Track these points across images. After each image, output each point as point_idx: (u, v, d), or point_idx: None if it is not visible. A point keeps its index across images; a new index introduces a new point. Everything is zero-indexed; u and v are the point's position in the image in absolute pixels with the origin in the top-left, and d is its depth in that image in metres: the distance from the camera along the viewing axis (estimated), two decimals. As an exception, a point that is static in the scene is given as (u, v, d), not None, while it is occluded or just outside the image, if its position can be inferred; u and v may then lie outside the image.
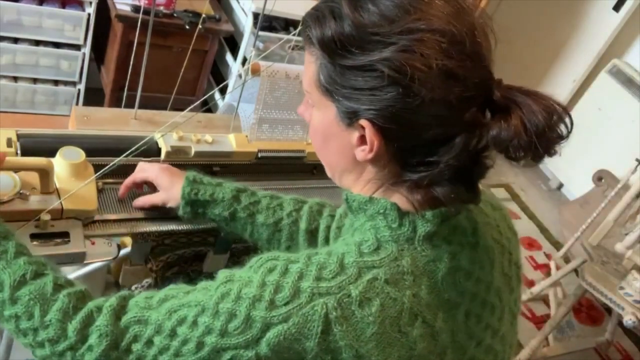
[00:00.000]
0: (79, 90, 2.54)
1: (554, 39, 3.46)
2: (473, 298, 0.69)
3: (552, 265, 2.82)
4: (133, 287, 1.22)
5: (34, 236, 0.93)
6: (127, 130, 1.27)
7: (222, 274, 0.66)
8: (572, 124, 0.61)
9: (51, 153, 1.00)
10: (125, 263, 1.14)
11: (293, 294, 0.60)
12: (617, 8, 3.11)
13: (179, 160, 1.17)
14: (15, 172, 0.96)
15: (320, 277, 0.61)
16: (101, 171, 0.99)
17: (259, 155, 1.26)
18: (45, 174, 0.95)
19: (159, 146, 1.16)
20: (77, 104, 2.55)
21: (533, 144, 0.59)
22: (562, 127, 0.61)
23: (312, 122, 0.71)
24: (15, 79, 2.42)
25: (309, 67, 0.67)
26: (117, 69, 2.37)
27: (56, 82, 2.51)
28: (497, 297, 0.72)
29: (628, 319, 1.89)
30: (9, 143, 1.02)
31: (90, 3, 2.32)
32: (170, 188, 1.02)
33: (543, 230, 3.23)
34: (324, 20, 0.63)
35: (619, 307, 1.95)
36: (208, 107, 2.40)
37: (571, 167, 3.37)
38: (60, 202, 0.96)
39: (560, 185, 3.59)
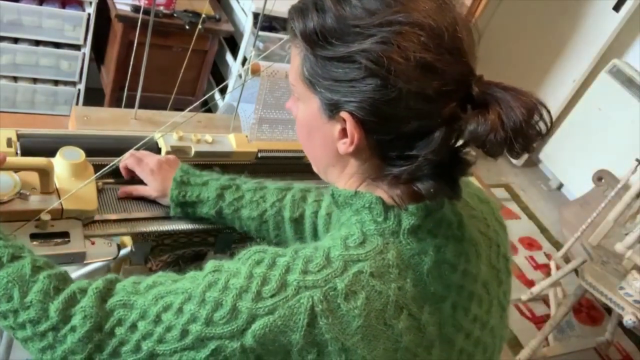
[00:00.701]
0: (79, 90, 2.55)
1: (554, 39, 3.46)
2: (459, 291, 0.69)
3: (552, 265, 2.82)
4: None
5: (34, 236, 0.93)
6: (127, 130, 1.27)
7: (211, 264, 0.66)
8: (551, 121, 0.61)
9: (51, 153, 1.00)
10: (125, 263, 1.14)
11: (280, 287, 0.61)
12: (617, 8, 3.11)
13: (180, 160, 1.17)
14: (16, 172, 0.96)
15: (306, 271, 0.62)
16: (101, 171, 0.99)
17: (259, 155, 1.26)
18: (46, 174, 0.95)
19: (159, 146, 1.16)
20: (77, 104, 2.55)
21: (509, 139, 0.59)
22: (542, 124, 0.61)
23: (297, 115, 0.72)
24: (15, 79, 2.42)
25: (294, 59, 0.68)
26: (117, 69, 2.37)
27: (56, 82, 2.51)
28: (484, 290, 0.72)
29: (628, 319, 1.89)
30: (9, 143, 1.02)
31: (90, 3, 2.32)
32: (162, 192, 1.05)
33: (543, 230, 3.23)
34: (307, 12, 0.64)
35: (619, 307, 1.95)
36: (208, 107, 2.40)
37: (571, 167, 3.37)
38: (60, 202, 0.96)
39: (560, 185, 3.59)
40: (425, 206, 0.66)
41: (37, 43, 2.38)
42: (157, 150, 1.16)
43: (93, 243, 0.99)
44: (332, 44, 0.62)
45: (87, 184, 0.99)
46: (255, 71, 1.19)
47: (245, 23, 2.50)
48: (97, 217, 1.02)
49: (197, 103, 2.02)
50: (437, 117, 0.61)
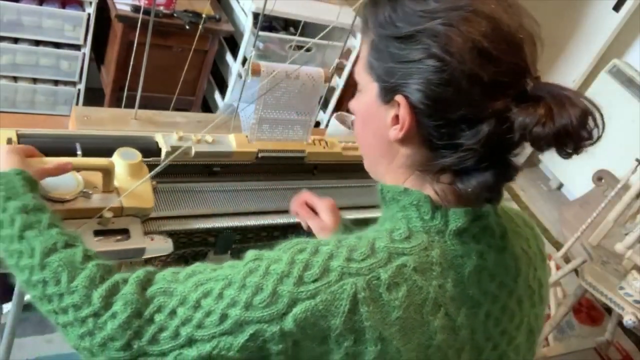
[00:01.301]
0: (79, 90, 2.55)
1: (554, 39, 3.46)
2: (495, 300, 0.70)
3: (552, 265, 2.82)
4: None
5: (97, 232, 0.97)
6: (127, 130, 1.27)
7: (251, 253, 0.66)
8: (604, 127, 0.62)
9: (51, 153, 1.00)
10: (126, 263, 1.14)
11: (322, 272, 0.61)
12: (617, 8, 3.11)
13: (179, 160, 1.17)
14: (77, 171, 1.00)
15: (350, 258, 0.62)
16: (154, 170, 1.01)
17: (259, 155, 1.26)
18: (108, 173, 1.00)
19: (159, 146, 1.16)
20: (77, 104, 2.55)
21: (558, 137, 0.60)
22: (594, 129, 0.61)
23: (356, 108, 0.74)
24: (15, 79, 2.42)
25: (362, 52, 0.71)
26: (117, 69, 2.37)
27: (56, 82, 2.51)
28: (517, 306, 0.73)
29: (628, 319, 1.89)
30: (9, 143, 1.02)
31: (90, 3, 2.32)
32: (331, 229, 1.03)
33: (543, 230, 3.23)
34: (380, 2, 0.68)
35: (619, 307, 1.95)
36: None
37: (571, 167, 3.37)
38: (120, 200, 1.00)
39: (560, 185, 3.59)
40: (473, 211, 0.67)
41: (37, 43, 2.38)
42: (158, 150, 1.16)
43: (152, 239, 1.03)
44: (398, 27, 0.65)
45: (143, 183, 1.03)
46: (255, 71, 1.19)
47: (245, 23, 2.49)
48: (152, 215, 1.06)
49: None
50: (489, 108, 0.61)
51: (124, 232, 1.00)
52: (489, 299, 0.69)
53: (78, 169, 0.98)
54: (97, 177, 1.01)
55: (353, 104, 0.75)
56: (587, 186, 2.88)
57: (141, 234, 1.01)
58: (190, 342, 0.63)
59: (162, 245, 1.04)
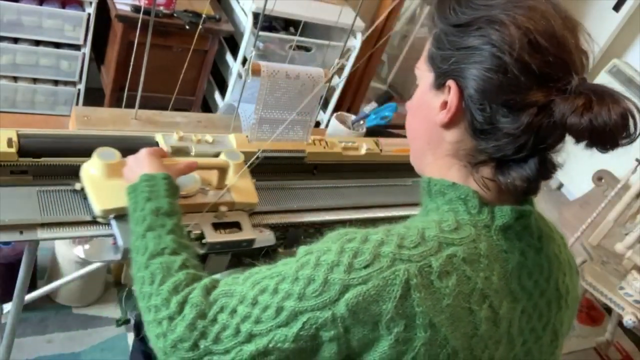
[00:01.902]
0: (79, 90, 2.54)
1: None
2: (530, 298, 0.72)
3: (552, 265, 2.81)
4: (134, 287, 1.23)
5: (215, 225, 1.08)
6: (127, 130, 1.27)
7: (302, 249, 0.69)
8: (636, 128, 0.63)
9: (51, 153, 1.00)
10: (127, 263, 1.14)
11: (373, 258, 0.62)
12: (617, 8, 3.11)
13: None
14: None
15: (401, 245, 0.63)
16: (244, 167, 1.14)
17: (259, 155, 1.26)
18: (223, 172, 1.11)
19: (160, 145, 1.16)
20: (77, 104, 2.55)
21: (595, 131, 0.61)
22: (633, 130, 0.63)
23: (409, 104, 0.77)
24: (15, 79, 2.42)
25: (426, 45, 0.74)
26: (117, 69, 2.37)
27: (56, 82, 2.51)
28: (546, 306, 0.75)
29: (628, 319, 1.89)
30: (10, 143, 1.02)
31: (90, 3, 2.32)
32: None
33: (543, 230, 3.22)
34: (446, 2, 0.71)
35: (619, 307, 1.95)
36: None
37: (571, 167, 3.35)
38: (232, 196, 1.12)
39: (560, 185, 3.59)
40: (517, 209, 0.69)
41: (37, 43, 2.38)
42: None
43: (261, 231, 1.14)
44: (459, 16, 0.68)
45: (248, 181, 1.15)
46: (255, 71, 1.19)
47: (245, 23, 2.49)
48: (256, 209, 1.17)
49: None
50: (532, 96, 0.64)
51: (236, 225, 1.10)
52: (525, 296, 0.71)
53: (203, 168, 1.09)
54: (208, 175, 1.12)
55: (408, 103, 0.79)
56: (587, 186, 2.88)
57: (250, 226, 1.12)
58: (250, 337, 0.65)
59: (268, 237, 1.15)
